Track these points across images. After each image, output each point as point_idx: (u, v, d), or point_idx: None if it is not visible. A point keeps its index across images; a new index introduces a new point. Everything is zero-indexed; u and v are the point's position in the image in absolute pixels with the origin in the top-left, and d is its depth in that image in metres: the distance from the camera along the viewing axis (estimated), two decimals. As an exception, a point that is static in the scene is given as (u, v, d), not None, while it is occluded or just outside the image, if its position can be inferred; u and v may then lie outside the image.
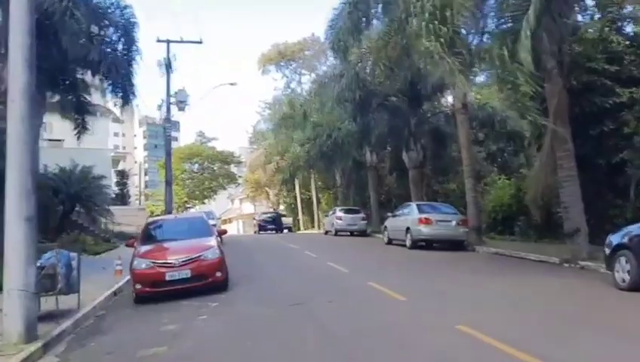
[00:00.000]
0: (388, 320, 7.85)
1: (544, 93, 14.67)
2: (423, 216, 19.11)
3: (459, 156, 33.20)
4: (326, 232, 32.95)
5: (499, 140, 30.63)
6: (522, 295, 9.68)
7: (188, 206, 64.99)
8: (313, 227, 49.29)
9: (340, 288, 10.88)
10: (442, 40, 12.46)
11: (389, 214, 22.35)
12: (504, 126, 26.30)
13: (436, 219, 18.98)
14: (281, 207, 61.87)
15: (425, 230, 18.87)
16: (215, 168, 65.45)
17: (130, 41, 19.06)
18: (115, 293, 12.35)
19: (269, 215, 45.35)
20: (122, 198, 49.65)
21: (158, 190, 65.06)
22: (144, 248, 11.60)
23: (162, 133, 36.77)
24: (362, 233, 30.13)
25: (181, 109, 34.01)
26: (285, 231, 49.53)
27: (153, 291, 10.78)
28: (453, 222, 19.07)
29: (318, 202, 49.19)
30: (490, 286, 10.61)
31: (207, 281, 10.94)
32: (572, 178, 14.27)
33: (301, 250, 20.26)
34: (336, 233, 30.40)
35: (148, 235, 12.46)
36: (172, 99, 32.45)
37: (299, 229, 51.76)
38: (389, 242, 21.72)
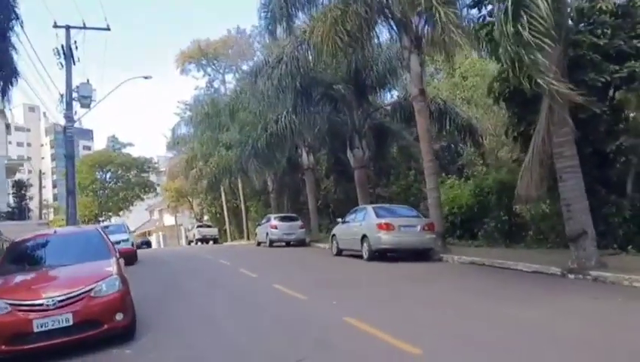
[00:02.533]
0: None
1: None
2: (383, 220, 15.96)
3: (401, 156, 31.01)
4: (259, 243, 29.26)
5: (440, 138, 28.44)
6: (599, 335, 6.59)
7: (100, 219, 58.74)
8: (242, 238, 45.30)
9: (308, 329, 7.39)
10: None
11: (339, 220, 19.09)
12: (455, 121, 23.86)
13: (399, 224, 15.89)
14: (206, 217, 57.34)
15: (386, 238, 15.73)
16: (131, 177, 59.49)
17: (5, 6, 14.69)
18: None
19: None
20: (20, 212, 43.34)
21: (66, 202, 58.41)
22: (1, 282, 7.56)
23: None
24: (301, 243, 26.80)
25: (85, 106, 29.16)
26: (211, 242, 45.43)
27: (13, 350, 6.82)
28: (418, 227, 16.06)
29: (247, 210, 45.29)
30: (525, 319, 7.46)
31: (101, 329, 7.10)
32: (574, 168, 11.63)
33: (235, 268, 16.54)
34: (271, 244, 26.87)
35: (12, 261, 8.37)
36: (74, 95, 27.70)
37: (226, 240, 47.59)
38: (339, 253, 18.48)
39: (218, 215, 52.36)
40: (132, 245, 21.78)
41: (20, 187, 44.45)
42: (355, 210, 18.65)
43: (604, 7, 13.85)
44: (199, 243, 45.31)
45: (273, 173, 34.75)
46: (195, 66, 54.13)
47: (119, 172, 58.60)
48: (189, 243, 49.63)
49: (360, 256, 16.72)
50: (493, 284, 11.18)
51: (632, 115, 13.47)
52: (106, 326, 7.12)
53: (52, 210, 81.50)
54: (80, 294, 7.08)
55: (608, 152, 13.50)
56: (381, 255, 16.12)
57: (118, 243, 20.64)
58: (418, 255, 16.25)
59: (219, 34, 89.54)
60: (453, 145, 30.47)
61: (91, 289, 7.17)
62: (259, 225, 31.40)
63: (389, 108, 26.63)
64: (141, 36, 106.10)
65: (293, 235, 26.78)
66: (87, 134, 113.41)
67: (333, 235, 19.03)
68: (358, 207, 19.12)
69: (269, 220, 28.20)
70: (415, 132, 28.21)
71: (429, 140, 17.94)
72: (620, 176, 13.70)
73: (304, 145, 29.49)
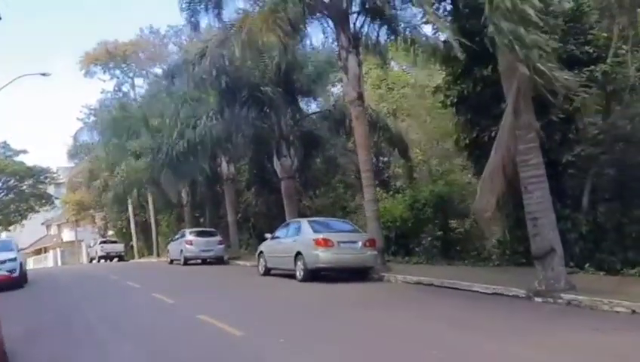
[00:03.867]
0: None
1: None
2: (320, 236, 14.19)
3: (327, 167, 29.54)
4: (171, 261, 26.48)
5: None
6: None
7: (-13, 234, 52.25)
8: (151, 254, 41.76)
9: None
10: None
11: (268, 235, 17.09)
12: (386, 132, 22.73)
13: (337, 240, 14.18)
14: (110, 232, 52.79)
15: (324, 255, 13.94)
16: (25, 188, 53.42)
17: None
18: None
19: None
20: None
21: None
22: None
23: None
24: (219, 260, 24.47)
25: (-32, 103, 25.39)
26: (115, 259, 41.56)
27: None
28: (359, 243, 14.44)
29: (157, 224, 41.87)
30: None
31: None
32: (540, 178, 10.56)
33: (146, 292, 14.04)
34: (186, 262, 24.29)
35: None
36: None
37: (133, 257, 43.74)
38: (267, 272, 16.47)
39: (124, 230, 48.23)
40: (21, 265, 18.29)
41: None
42: (286, 224, 16.79)
43: (557, 11, 13.14)
44: (102, 261, 41.30)
45: (189, 185, 32.13)
46: (102, 69, 50.01)
47: (11, 182, 52.44)
48: (91, 261, 45.25)
49: (292, 276, 14.86)
50: (458, 310, 9.71)
51: (587, 121, 12.71)
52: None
53: None
54: None
55: (564, 162, 12.66)
56: (315, 274, 14.36)
57: (3, 262, 17.44)
58: (356, 274, 14.70)
59: (130, 34, 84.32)
60: (375, 158, 29.57)
61: None
62: (171, 240, 28.66)
63: (314, 116, 25.16)
64: (40, 32, 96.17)
65: (211, 252, 24.42)
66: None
67: (261, 252, 16.98)
68: (291, 221, 17.29)
69: (183, 235, 25.63)
70: (340, 143, 27.19)
71: (367, 148, 16.54)
72: (574, 188, 12.90)
73: (224, 154, 27.27)
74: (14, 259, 17.80)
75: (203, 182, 30.41)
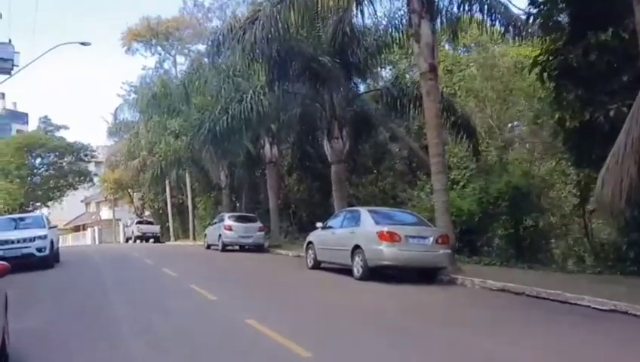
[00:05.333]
0: None
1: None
2: (385, 229, 12.10)
3: (375, 153, 27.40)
4: (209, 246, 24.98)
5: (421, 137, 25.09)
6: None
7: (27, 209, 52.01)
8: (187, 237, 40.60)
9: None
10: None
11: (319, 225, 15.10)
12: (453, 116, 20.33)
13: (405, 234, 12.04)
14: (147, 213, 52.02)
15: (390, 251, 11.85)
16: (64, 164, 53.04)
17: None
18: None
19: None
20: None
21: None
22: None
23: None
24: (259, 248, 22.78)
25: (5, 72, 24.31)
26: (151, 241, 40.56)
27: None
28: (430, 239, 12.30)
29: (194, 207, 40.62)
30: None
31: None
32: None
33: (183, 283, 12.26)
34: (224, 248, 22.68)
35: None
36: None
37: (168, 239, 42.69)
38: (316, 265, 14.52)
39: (161, 211, 47.33)
40: (51, 244, 16.87)
41: None
42: (341, 213, 14.78)
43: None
44: (138, 241, 40.39)
45: (227, 167, 30.53)
46: (143, 46, 48.89)
47: (51, 158, 52.08)
48: (127, 241, 44.53)
49: (346, 271, 12.87)
50: (585, 337, 7.46)
51: None
52: None
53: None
54: None
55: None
56: (376, 272, 12.31)
57: (32, 240, 16.07)
58: (421, 274, 12.63)
59: (172, 9, 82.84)
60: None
61: None
62: (209, 224, 27.14)
63: (366, 95, 22.96)
64: (83, 6, 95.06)
65: (250, 238, 22.75)
66: (22, 118, 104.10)
67: (310, 243, 15.01)
68: (347, 210, 15.22)
69: (222, 220, 23.97)
70: (395, 125, 24.91)
71: (438, 128, 14.29)
72: None
73: (267, 135, 25.43)
74: (44, 237, 16.41)
75: (243, 164, 28.71)
